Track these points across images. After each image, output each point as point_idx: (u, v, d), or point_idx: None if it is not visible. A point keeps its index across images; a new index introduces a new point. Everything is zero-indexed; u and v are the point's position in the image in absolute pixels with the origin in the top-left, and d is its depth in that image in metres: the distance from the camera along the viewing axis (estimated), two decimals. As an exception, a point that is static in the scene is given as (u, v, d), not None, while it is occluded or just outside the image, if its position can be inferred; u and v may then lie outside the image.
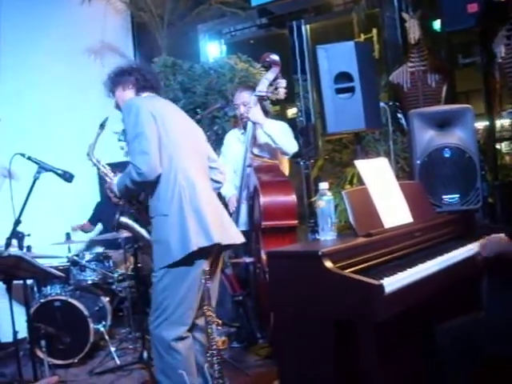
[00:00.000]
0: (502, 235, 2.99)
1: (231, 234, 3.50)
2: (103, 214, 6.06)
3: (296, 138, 4.96)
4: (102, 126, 3.72)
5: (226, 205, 4.93)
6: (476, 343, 2.63)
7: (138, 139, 3.26)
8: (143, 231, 3.74)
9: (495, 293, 3.57)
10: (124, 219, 3.79)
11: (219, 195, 5.39)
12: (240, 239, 3.57)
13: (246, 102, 4.81)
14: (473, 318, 2.80)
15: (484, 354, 2.63)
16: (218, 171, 3.76)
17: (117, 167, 3.74)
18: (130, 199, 3.67)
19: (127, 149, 3.70)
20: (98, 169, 3.72)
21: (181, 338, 3.33)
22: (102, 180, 3.72)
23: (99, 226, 6.32)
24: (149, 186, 3.34)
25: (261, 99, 4.74)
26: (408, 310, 2.73)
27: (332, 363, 2.72)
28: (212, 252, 3.39)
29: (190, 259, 3.26)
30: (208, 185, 3.55)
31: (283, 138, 4.72)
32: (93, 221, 6.10)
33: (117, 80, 3.59)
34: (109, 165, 3.74)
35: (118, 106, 3.65)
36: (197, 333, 3.48)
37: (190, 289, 3.33)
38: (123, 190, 3.43)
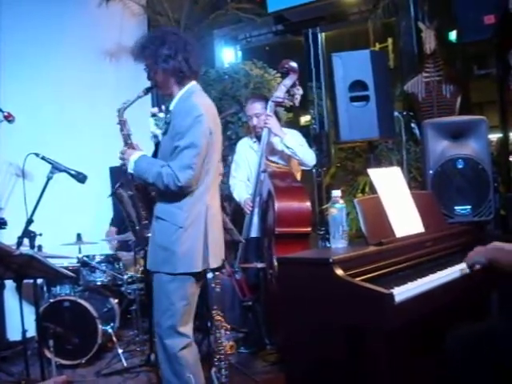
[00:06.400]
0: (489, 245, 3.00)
1: (223, 255, 3.53)
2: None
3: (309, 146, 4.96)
4: (148, 90, 3.51)
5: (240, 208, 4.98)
6: (489, 356, 2.60)
7: (190, 150, 3.19)
8: (132, 211, 3.72)
9: (507, 305, 3.56)
10: (122, 192, 3.78)
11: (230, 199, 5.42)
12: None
13: (259, 114, 4.83)
14: (484, 327, 2.76)
15: (497, 367, 2.60)
16: None
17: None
18: (138, 184, 3.62)
19: (164, 144, 3.56)
20: (122, 130, 3.56)
21: (186, 347, 3.34)
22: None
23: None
24: (173, 193, 3.29)
25: (278, 105, 4.76)
26: (419, 319, 2.73)
27: (341, 370, 2.71)
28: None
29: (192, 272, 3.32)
30: (219, 203, 3.55)
31: (304, 150, 4.73)
32: (116, 223, 6.05)
33: (157, 62, 3.30)
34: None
35: (151, 79, 3.44)
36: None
37: (191, 296, 3.37)
38: (141, 177, 3.36)
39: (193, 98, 3.33)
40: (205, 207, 3.32)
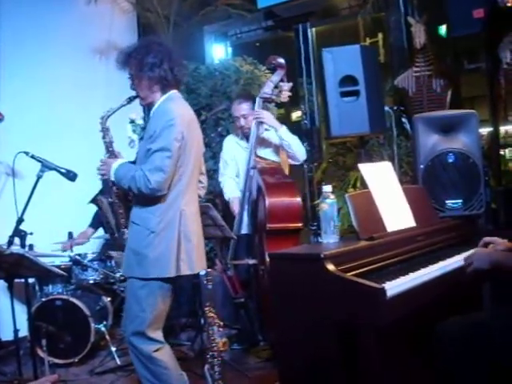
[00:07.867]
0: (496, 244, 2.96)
1: (204, 261, 3.51)
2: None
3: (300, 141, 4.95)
4: (130, 100, 3.53)
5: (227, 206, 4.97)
6: (483, 350, 2.59)
7: (162, 153, 3.21)
8: (111, 218, 3.72)
9: (499, 301, 3.55)
10: (102, 198, 3.78)
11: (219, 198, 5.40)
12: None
13: (246, 115, 4.82)
14: (476, 320, 2.76)
15: (490, 364, 2.60)
16: (202, 185, 3.74)
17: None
18: (118, 191, 3.61)
19: (140, 148, 3.57)
20: (104, 137, 3.60)
21: (158, 349, 3.33)
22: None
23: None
24: (146, 197, 3.29)
25: (266, 101, 4.75)
26: (411, 313, 2.72)
27: (334, 365, 2.71)
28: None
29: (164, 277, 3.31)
30: (198, 209, 3.53)
31: (298, 144, 4.73)
32: (94, 225, 6.03)
33: (142, 70, 3.33)
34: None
35: (134, 89, 3.46)
36: None
37: (163, 303, 3.36)
38: (120, 183, 3.37)
39: (169, 103, 3.37)
40: (178, 213, 3.31)
